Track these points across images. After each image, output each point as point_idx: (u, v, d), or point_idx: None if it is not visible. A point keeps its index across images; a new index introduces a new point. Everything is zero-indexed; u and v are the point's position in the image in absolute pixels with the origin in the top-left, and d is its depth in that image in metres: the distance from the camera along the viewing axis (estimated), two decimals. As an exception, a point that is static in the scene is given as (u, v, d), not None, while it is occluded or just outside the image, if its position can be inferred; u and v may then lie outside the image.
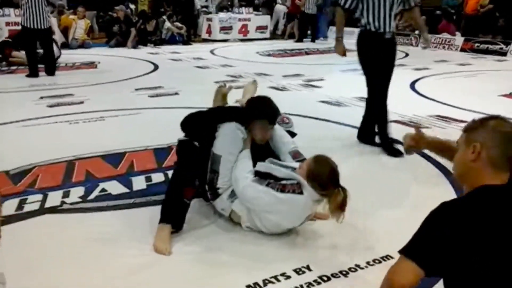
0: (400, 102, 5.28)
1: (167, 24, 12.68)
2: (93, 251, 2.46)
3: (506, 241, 1.31)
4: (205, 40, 13.89)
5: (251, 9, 15.14)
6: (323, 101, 6.01)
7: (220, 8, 15.23)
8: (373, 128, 4.18)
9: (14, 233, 2.58)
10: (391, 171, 3.71)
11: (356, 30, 4.09)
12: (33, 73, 7.43)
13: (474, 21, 12.50)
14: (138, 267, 2.33)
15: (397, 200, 3.17)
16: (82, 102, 5.78)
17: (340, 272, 2.30)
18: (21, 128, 4.69)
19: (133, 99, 6.09)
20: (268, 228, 2.57)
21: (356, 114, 5.33)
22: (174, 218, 2.59)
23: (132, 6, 14.21)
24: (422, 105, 5.83)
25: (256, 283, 2.19)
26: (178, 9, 14.19)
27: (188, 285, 2.21)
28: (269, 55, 10.98)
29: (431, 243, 1.35)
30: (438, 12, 13.49)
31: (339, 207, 2.37)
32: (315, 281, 2.22)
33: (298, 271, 2.29)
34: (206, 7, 15.37)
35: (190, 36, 13.73)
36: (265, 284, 2.19)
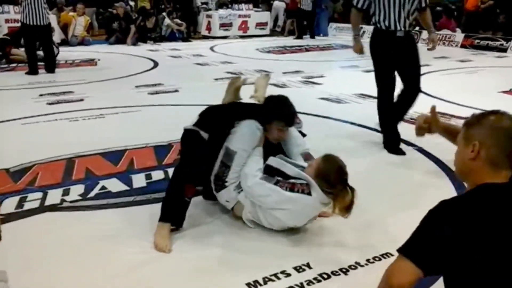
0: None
1: (167, 21, 12.67)
2: (93, 249, 2.46)
3: (507, 239, 1.31)
4: (205, 37, 13.88)
5: (251, 6, 15.10)
6: (323, 98, 6.00)
7: (220, 5, 15.19)
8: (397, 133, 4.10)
9: (14, 231, 2.58)
10: (391, 169, 3.71)
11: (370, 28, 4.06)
12: (33, 71, 7.42)
13: (475, 17, 12.49)
14: (138, 264, 2.33)
15: (397, 198, 3.17)
16: (82, 100, 5.78)
17: (340, 269, 2.30)
18: (21, 126, 4.69)
19: (133, 96, 6.09)
20: (270, 223, 2.57)
21: (356, 111, 5.34)
22: (174, 216, 2.59)
23: (132, 3, 14.17)
24: (422, 102, 5.79)
25: (256, 281, 2.19)
26: (178, 6, 14.19)
27: (188, 283, 2.21)
28: (269, 51, 10.96)
29: (430, 242, 1.34)
30: (438, 8, 13.46)
31: (346, 207, 2.37)
32: (315, 278, 2.22)
33: (298, 269, 2.29)
34: (206, 3, 15.33)
35: (190, 33, 13.73)
36: (265, 282, 2.19)
